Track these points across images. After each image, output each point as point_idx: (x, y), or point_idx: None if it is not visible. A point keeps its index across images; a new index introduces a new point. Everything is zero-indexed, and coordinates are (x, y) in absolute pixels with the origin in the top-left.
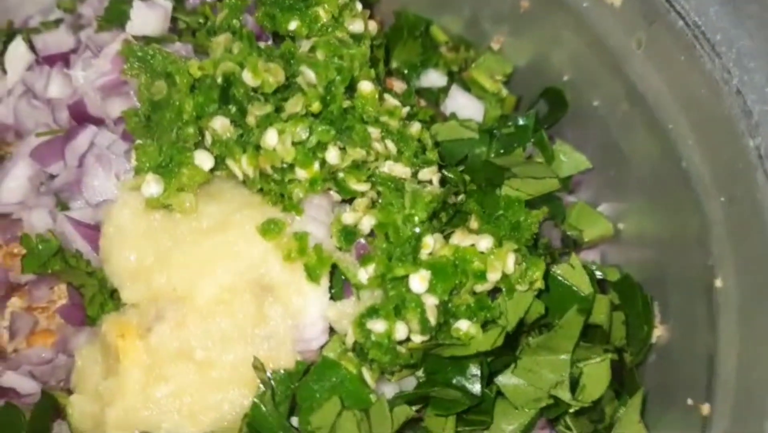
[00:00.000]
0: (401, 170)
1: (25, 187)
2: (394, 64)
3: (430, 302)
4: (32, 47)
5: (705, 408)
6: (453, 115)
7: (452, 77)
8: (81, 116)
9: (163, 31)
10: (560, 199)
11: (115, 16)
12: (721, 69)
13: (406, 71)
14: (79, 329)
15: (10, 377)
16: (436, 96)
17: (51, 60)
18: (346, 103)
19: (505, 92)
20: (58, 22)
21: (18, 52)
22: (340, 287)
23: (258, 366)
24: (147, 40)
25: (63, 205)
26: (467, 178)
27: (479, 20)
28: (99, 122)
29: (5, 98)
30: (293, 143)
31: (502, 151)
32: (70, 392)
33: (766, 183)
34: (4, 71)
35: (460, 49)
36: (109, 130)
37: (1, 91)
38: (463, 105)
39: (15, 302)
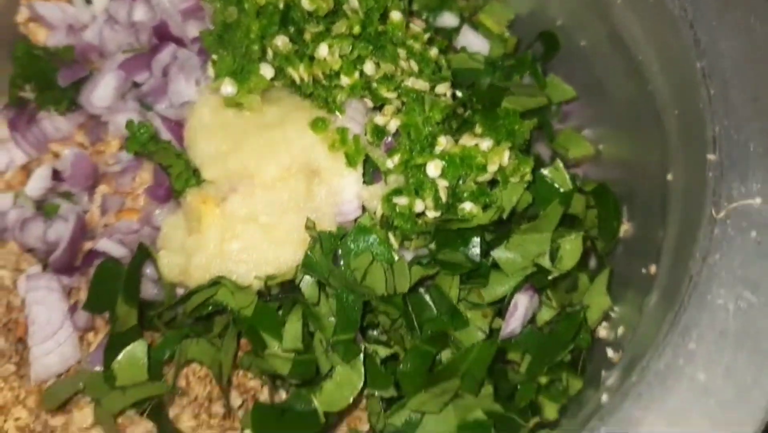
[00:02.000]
0: (422, 84)
1: (112, 94)
2: (415, 7)
3: (442, 184)
4: None
5: (652, 268)
6: (463, 49)
7: (463, 20)
8: (163, 36)
9: None
10: (551, 123)
11: None
12: (680, 8)
13: (425, 13)
14: (161, 205)
15: (104, 243)
16: (449, 34)
17: None
18: (380, 28)
19: (507, 34)
20: None
21: None
22: (371, 173)
23: (310, 226)
24: None
25: (148, 108)
26: (474, 98)
27: None
28: (178, 41)
29: (91, 24)
30: (340, 55)
31: (503, 79)
32: None
33: (707, 96)
34: (88, 1)
35: None
36: (187, 48)
37: (87, 17)
38: (472, 41)
39: (103, 189)
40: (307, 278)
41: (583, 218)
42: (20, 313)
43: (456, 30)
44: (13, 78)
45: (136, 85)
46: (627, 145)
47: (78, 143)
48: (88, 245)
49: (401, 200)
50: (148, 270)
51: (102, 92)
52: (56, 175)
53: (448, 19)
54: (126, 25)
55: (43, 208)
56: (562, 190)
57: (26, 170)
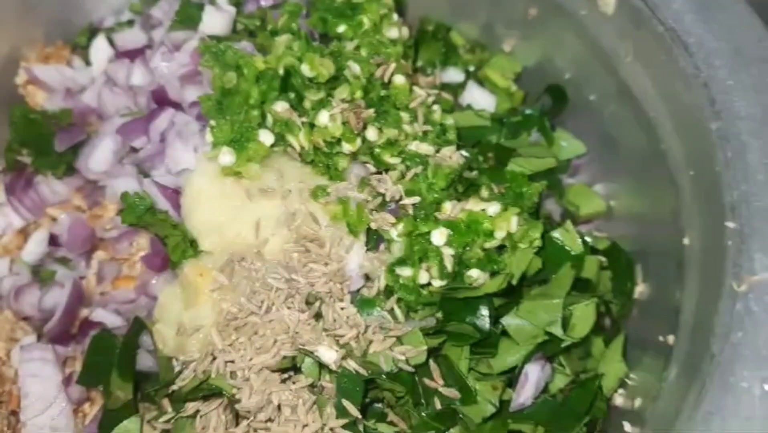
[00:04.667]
0: (426, 148)
1: (110, 159)
2: (419, 63)
3: (448, 252)
4: (111, 44)
5: (670, 339)
6: (469, 106)
7: (468, 75)
8: (161, 100)
9: (228, 31)
10: (561, 180)
11: (186, 18)
12: (693, 66)
13: (429, 69)
14: (158, 274)
15: (100, 313)
16: (454, 90)
17: (128, 54)
18: (383, 92)
19: (514, 88)
20: (131, 23)
21: (101, 46)
22: (374, 239)
23: (311, 301)
24: (214, 38)
25: (145, 174)
26: (480, 157)
27: (493, 26)
28: (176, 106)
29: (90, 86)
30: (342, 123)
31: (510, 136)
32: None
33: (723, 158)
34: (88, 63)
35: (476, 50)
36: (185, 112)
37: (86, 79)
38: (478, 98)
39: (100, 255)
40: (308, 359)
41: (596, 281)
42: (13, 385)
43: (461, 86)
44: (10, 143)
45: (134, 150)
46: (639, 202)
47: (75, 207)
48: (84, 313)
49: (405, 272)
50: (145, 340)
51: (100, 157)
52: (53, 240)
53: (453, 75)
54: (125, 87)
55: (39, 274)
56: (573, 252)
57: (23, 234)
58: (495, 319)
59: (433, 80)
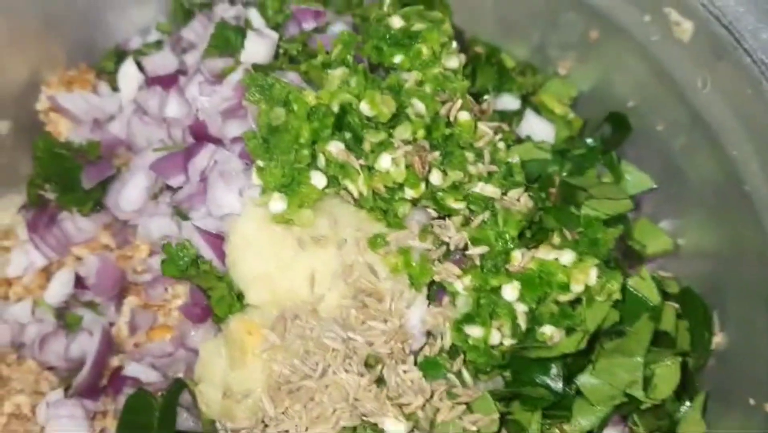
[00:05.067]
0: (492, 190)
1: (142, 196)
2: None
3: (521, 309)
4: (139, 68)
5: (763, 405)
6: (528, 138)
7: (524, 102)
8: (201, 135)
9: (271, 59)
10: (627, 217)
11: (222, 42)
12: None
13: (485, 96)
14: (197, 325)
15: (134, 367)
16: (509, 119)
17: (160, 81)
18: (447, 131)
19: (571, 115)
20: (159, 44)
21: (130, 72)
22: (434, 291)
23: (371, 363)
24: (256, 67)
25: (182, 215)
26: (543, 195)
27: (546, 47)
28: (216, 141)
29: (118, 115)
30: (405, 166)
31: (573, 170)
32: (190, 380)
33: None
34: (114, 89)
35: (527, 73)
36: (226, 149)
37: (114, 108)
38: (536, 127)
39: (132, 300)
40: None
41: (674, 333)
42: None
43: (517, 113)
44: (33, 177)
45: (169, 187)
46: (714, 241)
47: (103, 245)
48: (114, 362)
49: (475, 331)
50: (185, 397)
51: (131, 194)
52: (79, 282)
53: (508, 102)
54: (157, 118)
55: (65, 319)
56: (650, 303)
57: (46, 273)
58: (568, 377)
59: (487, 109)
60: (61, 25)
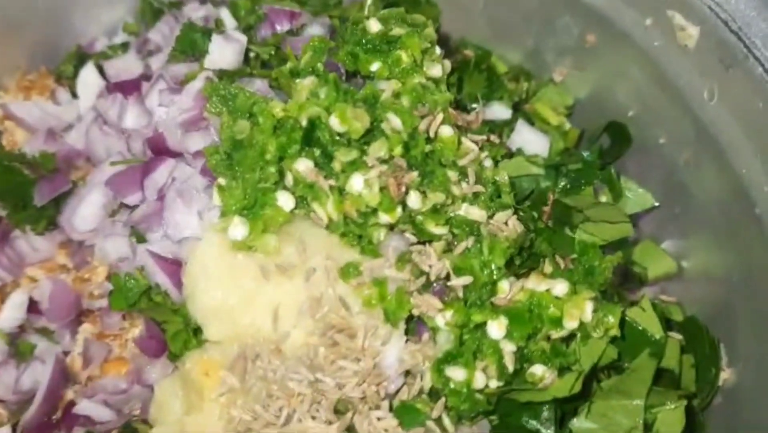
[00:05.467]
0: (477, 213)
1: (99, 215)
2: (457, 97)
3: (508, 348)
4: (101, 72)
5: None
6: (519, 151)
7: (516, 111)
8: (159, 149)
9: (239, 64)
10: (626, 239)
11: (187, 46)
12: None
13: (470, 104)
14: (154, 359)
15: (86, 405)
16: (500, 129)
17: (122, 87)
18: (427, 148)
19: (568, 126)
20: (125, 46)
21: (90, 78)
22: (413, 326)
23: (341, 410)
24: (222, 73)
25: (139, 237)
26: (535, 215)
27: (541, 52)
28: (177, 155)
29: (76, 124)
30: (379, 189)
31: (568, 187)
32: (144, 421)
33: None
34: (74, 95)
35: (520, 79)
36: (187, 164)
37: (72, 116)
38: (529, 140)
39: (87, 328)
40: None
41: (678, 372)
42: None
43: (508, 124)
44: None
45: (126, 205)
46: (721, 263)
47: (60, 266)
48: (69, 395)
49: (457, 373)
50: None
51: (86, 213)
52: (32, 306)
53: (498, 111)
54: (117, 127)
55: (16, 347)
56: (652, 337)
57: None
58: (560, 420)
59: (475, 119)
60: (22, 26)
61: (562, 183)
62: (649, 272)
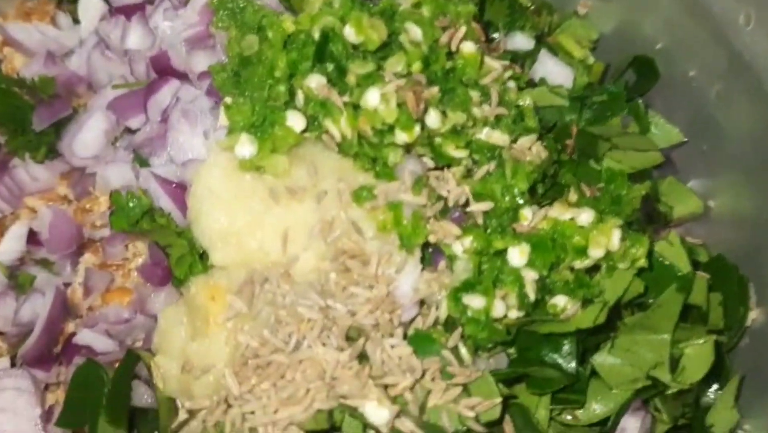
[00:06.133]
0: (499, 137)
1: (100, 140)
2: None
3: (530, 276)
4: None
5: None
6: (542, 81)
7: (539, 42)
8: (163, 69)
9: None
10: (651, 174)
11: None
12: None
13: (494, 34)
14: (158, 288)
15: (86, 334)
16: (522, 59)
17: (125, 10)
18: (448, 64)
19: (592, 59)
20: None
21: (92, 1)
22: (429, 253)
23: (353, 337)
24: None
25: (142, 161)
26: (558, 146)
27: None
28: (182, 76)
29: (77, 49)
30: (397, 105)
31: (593, 119)
32: (148, 351)
33: None
34: (75, 21)
35: (542, 13)
36: (192, 85)
37: (73, 41)
38: (552, 71)
39: (88, 259)
40: (350, 417)
41: (706, 309)
42: None
43: (530, 55)
44: None
45: (129, 130)
46: (751, 203)
47: (61, 197)
48: (70, 327)
49: (475, 301)
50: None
51: (87, 138)
52: (32, 237)
53: (520, 42)
54: (119, 51)
55: (17, 279)
56: (680, 272)
57: None
58: (582, 355)
59: (496, 47)
60: None
61: (587, 115)
62: (675, 211)
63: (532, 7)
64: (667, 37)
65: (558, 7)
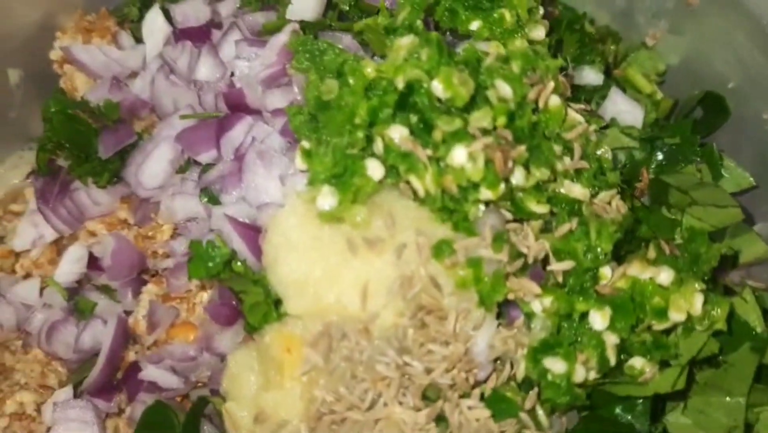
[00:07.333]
0: (580, 192)
1: (166, 170)
2: None
3: (611, 340)
4: (166, 17)
5: None
6: (614, 121)
7: (608, 77)
8: (237, 105)
9: (320, 16)
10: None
11: None
12: None
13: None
14: (224, 327)
15: (152, 371)
16: (590, 95)
17: (190, 34)
18: (533, 118)
19: (660, 94)
20: None
21: (157, 23)
22: (505, 309)
23: (430, 397)
24: (304, 24)
25: (211, 198)
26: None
27: (633, 12)
28: (254, 113)
29: (141, 72)
30: (484, 163)
31: (664, 163)
32: (214, 392)
33: None
34: (137, 40)
35: (607, 41)
36: (265, 122)
37: (136, 63)
38: (623, 109)
39: (151, 289)
40: None
41: None
42: None
43: (598, 90)
44: (44, 142)
45: (197, 162)
46: None
47: (121, 220)
48: (130, 355)
49: (557, 366)
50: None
51: (154, 168)
52: (93, 262)
53: (589, 76)
54: (186, 78)
55: (76, 304)
56: (754, 330)
57: (57, 248)
58: (654, 415)
59: (566, 82)
60: None
61: (658, 157)
62: (742, 257)
63: (597, 36)
64: (740, 76)
65: (624, 36)
